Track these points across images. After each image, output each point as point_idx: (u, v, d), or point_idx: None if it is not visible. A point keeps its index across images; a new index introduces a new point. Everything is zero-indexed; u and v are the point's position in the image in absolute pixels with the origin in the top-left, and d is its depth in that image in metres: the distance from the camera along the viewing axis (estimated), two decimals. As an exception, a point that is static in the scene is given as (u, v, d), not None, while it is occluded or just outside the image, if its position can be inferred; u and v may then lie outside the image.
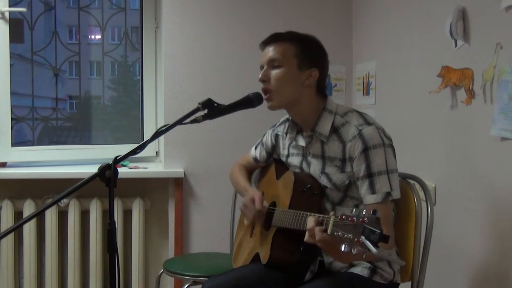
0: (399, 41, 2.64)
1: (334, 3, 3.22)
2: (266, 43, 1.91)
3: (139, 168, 3.13)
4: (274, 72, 1.86)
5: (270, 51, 1.88)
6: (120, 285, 1.53)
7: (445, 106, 2.22)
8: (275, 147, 2.13)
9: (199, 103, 1.68)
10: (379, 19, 2.89)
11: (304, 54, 1.86)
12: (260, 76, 1.88)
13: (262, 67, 1.90)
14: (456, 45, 2.14)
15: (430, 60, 2.33)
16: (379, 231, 1.30)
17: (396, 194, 1.77)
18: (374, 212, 1.35)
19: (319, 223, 1.52)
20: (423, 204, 1.94)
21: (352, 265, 1.85)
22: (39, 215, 2.99)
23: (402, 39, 2.61)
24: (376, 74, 2.91)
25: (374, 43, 2.96)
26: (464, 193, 2.11)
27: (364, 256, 1.34)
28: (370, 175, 1.75)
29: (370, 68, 2.97)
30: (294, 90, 1.85)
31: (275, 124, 2.14)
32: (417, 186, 1.98)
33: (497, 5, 1.88)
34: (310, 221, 1.54)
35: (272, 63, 1.86)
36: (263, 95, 1.86)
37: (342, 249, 1.35)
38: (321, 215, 1.58)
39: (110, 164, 1.48)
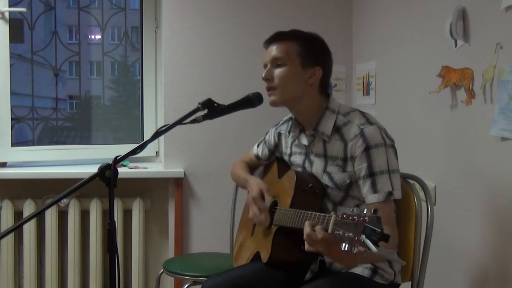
0: (399, 41, 2.64)
1: (334, 3, 3.22)
2: (269, 41, 1.91)
3: (139, 168, 3.12)
4: (278, 71, 1.86)
5: (274, 50, 1.87)
6: (120, 285, 1.52)
7: (445, 106, 2.22)
8: (277, 145, 2.13)
9: (199, 103, 1.67)
10: (379, 19, 2.89)
11: (308, 53, 1.86)
12: (263, 75, 1.88)
13: (265, 66, 1.90)
14: (456, 45, 2.14)
15: (430, 60, 2.33)
16: (379, 230, 1.30)
17: (398, 194, 1.77)
18: (375, 211, 1.35)
19: (314, 225, 1.51)
20: (423, 204, 1.94)
21: (352, 265, 1.85)
22: (39, 215, 2.99)
23: (402, 39, 2.60)
24: (376, 74, 2.91)
25: (374, 43, 2.96)
26: (464, 193, 2.11)
27: (364, 255, 1.34)
28: (371, 174, 1.75)
29: (370, 68, 2.97)
30: (297, 88, 1.85)
31: (278, 123, 2.14)
32: (417, 186, 1.98)
33: (497, 5, 1.88)
34: (306, 227, 1.53)
35: (276, 62, 1.87)
36: (266, 92, 1.86)
37: (343, 248, 1.35)
38: (321, 214, 1.58)
39: (110, 164, 1.48)
